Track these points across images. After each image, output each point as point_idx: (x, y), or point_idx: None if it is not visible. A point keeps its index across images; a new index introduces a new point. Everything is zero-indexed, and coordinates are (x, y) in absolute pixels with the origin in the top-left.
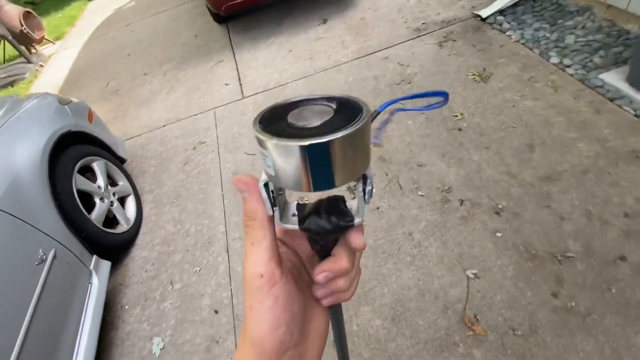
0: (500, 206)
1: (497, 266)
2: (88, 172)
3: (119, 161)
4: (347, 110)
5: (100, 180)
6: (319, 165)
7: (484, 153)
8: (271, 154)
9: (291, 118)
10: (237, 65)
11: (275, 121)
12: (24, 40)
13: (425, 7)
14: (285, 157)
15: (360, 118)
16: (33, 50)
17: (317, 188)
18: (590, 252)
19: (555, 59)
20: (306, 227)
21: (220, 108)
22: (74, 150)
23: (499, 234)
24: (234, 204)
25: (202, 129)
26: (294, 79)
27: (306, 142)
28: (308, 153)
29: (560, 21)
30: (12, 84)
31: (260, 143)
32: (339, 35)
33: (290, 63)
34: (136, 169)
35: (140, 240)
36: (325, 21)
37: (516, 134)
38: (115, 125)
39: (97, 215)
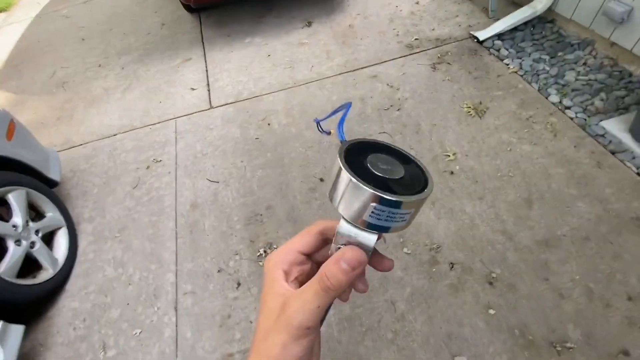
0: (494, 275)
1: (489, 353)
2: (2, 206)
3: (49, 184)
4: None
5: (17, 217)
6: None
7: (477, 205)
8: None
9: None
10: (206, 66)
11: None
12: None
13: (418, 19)
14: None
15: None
16: None
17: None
18: (591, 342)
19: (554, 97)
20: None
21: (182, 118)
22: None
23: (492, 311)
24: (189, 246)
25: (159, 144)
26: (271, 91)
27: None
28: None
29: (560, 54)
30: None
31: (410, 206)
32: (324, 42)
33: (267, 70)
34: (76, 188)
35: (72, 284)
36: (309, 24)
37: (513, 184)
38: (58, 129)
39: (7, 266)
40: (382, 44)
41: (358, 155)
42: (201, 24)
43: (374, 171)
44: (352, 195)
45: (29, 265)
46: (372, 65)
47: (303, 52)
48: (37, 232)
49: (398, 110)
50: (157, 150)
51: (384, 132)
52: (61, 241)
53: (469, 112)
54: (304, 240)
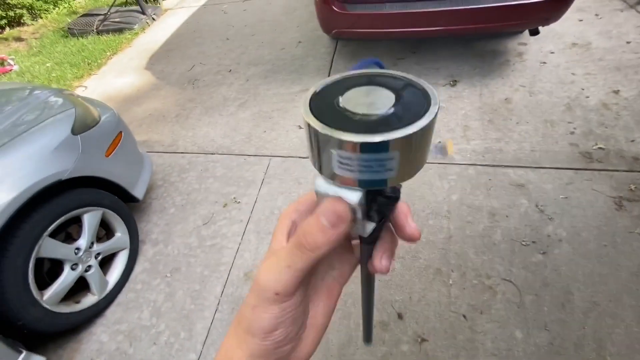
0: None
1: None
2: (74, 224)
3: (130, 200)
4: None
5: (84, 239)
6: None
7: None
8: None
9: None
10: None
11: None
12: None
13: (612, 119)
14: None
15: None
16: (153, 1)
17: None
18: None
19: None
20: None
21: (277, 159)
22: (54, 206)
23: None
24: (225, 326)
25: (246, 181)
26: None
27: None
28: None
29: None
30: (120, 30)
31: (388, 147)
32: (464, 112)
33: None
34: (158, 200)
35: (111, 313)
36: (454, 83)
37: None
38: (172, 127)
39: (53, 292)
40: (546, 140)
41: (336, 93)
42: (335, 51)
43: (347, 108)
44: (314, 142)
45: (77, 285)
46: (522, 167)
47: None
48: (97, 254)
49: (542, 253)
50: (241, 189)
51: (507, 280)
52: (118, 264)
53: None
54: None
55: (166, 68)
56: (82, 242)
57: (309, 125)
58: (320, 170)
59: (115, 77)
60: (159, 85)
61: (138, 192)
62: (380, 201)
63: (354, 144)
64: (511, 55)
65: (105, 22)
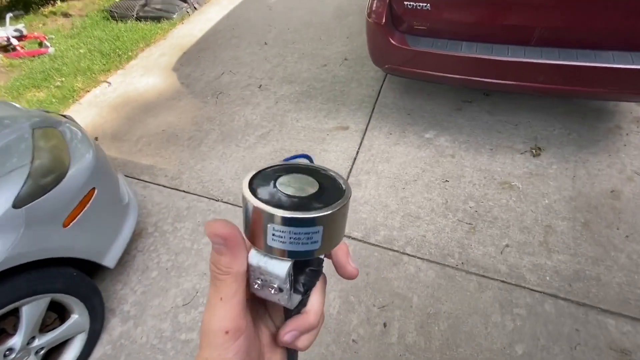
0: None
1: None
2: (9, 316)
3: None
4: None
5: (19, 337)
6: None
7: None
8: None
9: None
10: (357, 153)
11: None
12: None
13: None
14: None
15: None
16: None
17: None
18: None
19: None
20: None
21: None
22: None
23: None
24: None
25: None
26: (419, 254)
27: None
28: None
29: None
30: (159, 19)
31: (315, 222)
32: (548, 201)
33: (434, 207)
34: (141, 257)
35: None
36: (537, 151)
37: None
38: (181, 152)
39: None
40: None
41: (270, 178)
42: (385, 79)
43: (280, 190)
44: (251, 217)
45: None
46: (631, 318)
47: (505, 202)
48: (39, 350)
49: None
50: None
51: None
52: (70, 351)
53: None
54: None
55: (194, 72)
56: (17, 340)
57: (249, 202)
58: (255, 243)
59: (141, 75)
60: (182, 93)
61: (110, 260)
62: (307, 273)
63: (288, 218)
64: (625, 119)
65: (145, 8)
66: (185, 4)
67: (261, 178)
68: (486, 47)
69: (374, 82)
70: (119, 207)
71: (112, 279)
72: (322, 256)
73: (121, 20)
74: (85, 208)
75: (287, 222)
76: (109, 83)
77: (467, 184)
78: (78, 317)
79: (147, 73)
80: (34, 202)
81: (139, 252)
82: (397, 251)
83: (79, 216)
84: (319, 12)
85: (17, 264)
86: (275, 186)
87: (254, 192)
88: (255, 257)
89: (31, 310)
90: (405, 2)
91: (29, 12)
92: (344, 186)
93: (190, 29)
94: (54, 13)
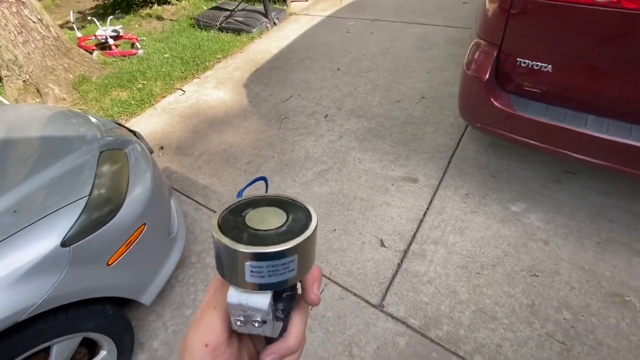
0: None
1: None
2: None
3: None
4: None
5: None
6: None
7: None
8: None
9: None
10: (425, 214)
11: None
12: None
13: None
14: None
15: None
16: (281, 1)
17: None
18: None
19: None
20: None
21: (336, 288)
22: (4, 348)
23: None
24: None
25: None
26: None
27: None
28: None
29: None
30: (239, 32)
31: (286, 254)
32: None
33: (515, 303)
34: (179, 289)
35: None
36: None
37: None
38: (236, 178)
39: None
40: None
41: (237, 215)
42: (466, 129)
43: (250, 227)
44: (227, 258)
45: None
46: None
47: (614, 324)
48: None
49: None
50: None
51: None
52: None
53: None
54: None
55: (263, 91)
56: None
57: (222, 243)
58: (233, 282)
59: (213, 87)
60: (248, 112)
61: (147, 298)
62: (284, 298)
63: (266, 254)
64: None
65: (228, 19)
66: (266, 19)
67: (229, 216)
68: (623, 128)
69: (453, 130)
70: (165, 240)
71: (147, 308)
72: None
73: (205, 29)
74: (132, 246)
75: (264, 257)
76: (184, 91)
77: (563, 285)
78: (106, 353)
79: (219, 85)
80: (83, 240)
81: (178, 282)
82: (462, 358)
83: (124, 254)
84: (398, 40)
85: (55, 306)
86: (245, 222)
87: (224, 231)
88: (235, 296)
89: (62, 349)
90: (519, 59)
91: (130, 13)
92: (309, 210)
93: (266, 45)
94: (150, 15)
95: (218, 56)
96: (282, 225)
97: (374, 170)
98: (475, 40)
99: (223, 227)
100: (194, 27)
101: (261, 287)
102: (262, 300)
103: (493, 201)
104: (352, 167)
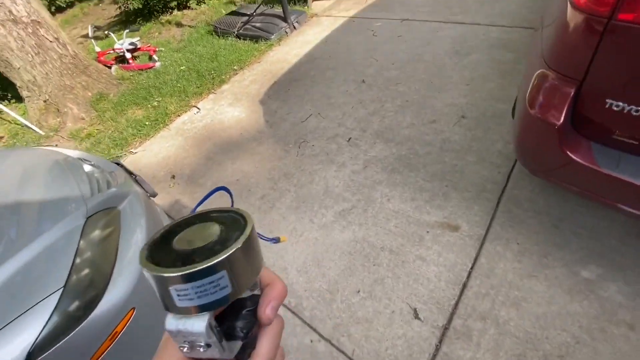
0: None
1: None
2: None
3: None
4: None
5: None
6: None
7: None
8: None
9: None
10: (469, 274)
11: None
12: None
13: None
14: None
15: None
16: (302, 2)
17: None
18: None
19: None
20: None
21: None
22: None
23: None
24: None
25: None
26: None
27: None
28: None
29: None
30: (257, 39)
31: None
32: None
33: None
34: None
35: None
36: None
37: None
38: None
39: None
40: None
41: (168, 239)
42: (517, 163)
43: (176, 249)
44: (154, 285)
45: None
46: None
47: None
48: None
49: None
50: None
51: None
52: None
53: None
54: None
55: (280, 109)
56: None
57: (145, 271)
58: (167, 308)
59: (229, 103)
60: (264, 134)
61: None
62: (243, 315)
63: (185, 275)
64: None
65: (246, 26)
66: (285, 24)
67: (160, 240)
68: None
69: (501, 160)
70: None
71: None
72: (257, 291)
73: (223, 37)
74: (120, 334)
75: (184, 279)
76: (199, 109)
77: None
78: None
79: (235, 102)
80: (55, 347)
81: None
82: None
83: (107, 350)
84: (432, 44)
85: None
86: (172, 245)
87: (150, 258)
88: (172, 322)
89: None
90: (608, 100)
91: (151, 20)
92: (243, 221)
93: (285, 53)
94: (169, 22)
95: (235, 67)
96: (211, 242)
97: (405, 212)
98: (541, 70)
99: (151, 254)
100: (211, 34)
101: (197, 310)
102: (200, 324)
103: (557, 262)
104: (379, 206)
